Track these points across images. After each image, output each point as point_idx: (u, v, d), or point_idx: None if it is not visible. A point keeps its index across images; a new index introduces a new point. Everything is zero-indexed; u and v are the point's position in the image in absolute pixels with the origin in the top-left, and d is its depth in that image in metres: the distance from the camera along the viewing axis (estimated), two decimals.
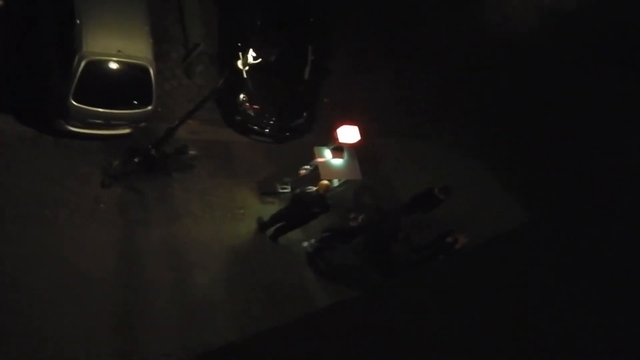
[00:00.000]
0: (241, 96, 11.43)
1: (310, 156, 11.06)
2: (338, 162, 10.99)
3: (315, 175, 10.86)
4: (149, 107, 9.70)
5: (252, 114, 11.55)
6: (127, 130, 9.95)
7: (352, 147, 11.12)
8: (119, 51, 9.21)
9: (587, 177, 13.24)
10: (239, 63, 9.04)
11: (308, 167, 11.26)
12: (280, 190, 11.51)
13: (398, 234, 12.23)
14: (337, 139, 10.77)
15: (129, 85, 9.57)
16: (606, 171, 13.64)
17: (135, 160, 9.78)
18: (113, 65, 9.31)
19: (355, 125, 10.84)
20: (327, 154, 10.95)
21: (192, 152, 10.38)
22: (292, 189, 11.34)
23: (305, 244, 11.23)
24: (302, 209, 10.44)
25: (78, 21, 9.08)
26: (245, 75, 9.80)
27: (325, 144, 11.08)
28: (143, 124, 10.04)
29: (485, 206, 13.57)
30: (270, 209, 11.24)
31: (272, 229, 10.98)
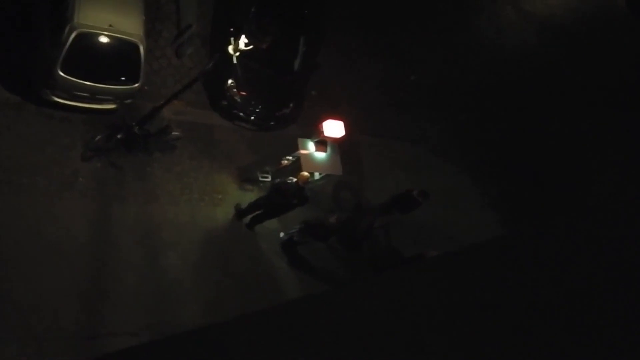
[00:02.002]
0: (229, 81, 11.45)
1: (293, 147, 11.09)
2: (320, 155, 11.07)
3: (296, 166, 10.91)
4: (136, 85, 9.71)
5: (239, 100, 11.56)
6: (112, 106, 9.93)
7: (336, 142, 11.20)
8: (111, 25, 9.23)
9: (570, 195, 13.53)
10: (230, 48, 9.07)
11: (290, 157, 11.31)
12: (260, 179, 11.53)
13: (371, 233, 12.31)
14: (322, 132, 10.83)
15: (118, 60, 9.59)
16: (589, 190, 13.97)
17: (118, 136, 9.82)
18: (103, 39, 9.33)
19: (341, 120, 10.91)
20: (311, 146, 11.02)
21: (175, 133, 10.39)
22: (272, 178, 11.39)
23: (282, 234, 11.26)
24: (281, 199, 10.44)
25: None
26: (235, 61, 9.79)
27: (310, 136, 11.13)
28: (128, 101, 10.06)
29: (462, 214, 13.74)
30: (248, 196, 11.28)
31: (249, 216, 11.01)
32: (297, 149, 10.98)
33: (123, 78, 9.63)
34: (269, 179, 11.49)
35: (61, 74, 9.08)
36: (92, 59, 9.37)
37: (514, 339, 1.97)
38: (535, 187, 14.47)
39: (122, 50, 9.47)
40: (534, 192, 14.33)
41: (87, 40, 9.13)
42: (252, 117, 11.79)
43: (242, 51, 9.14)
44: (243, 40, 9.01)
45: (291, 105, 12.14)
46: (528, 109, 15.30)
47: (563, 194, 13.84)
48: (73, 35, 8.93)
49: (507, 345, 1.95)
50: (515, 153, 14.96)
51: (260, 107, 11.75)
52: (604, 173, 14.20)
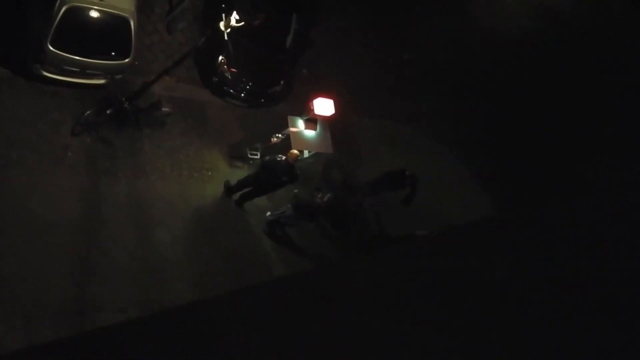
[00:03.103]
0: (220, 58, 11.42)
1: (283, 125, 11.11)
2: (310, 133, 11.15)
3: (286, 144, 10.96)
4: (127, 60, 9.67)
5: (230, 76, 11.55)
6: (102, 81, 9.89)
7: (326, 121, 11.28)
8: (101, 0, 9.01)
9: (562, 180, 13.61)
10: (222, 24, 8.99)
11: (280, 135, 11.37)
12: (250, 156, 11.60)
13: (361, 213, 12.42)
14: (312, 110, 10.89)
15: (108, 35, 9.56)
16: (584, 177, 14.06)
17: (108, 111, 9.83)
18: (94, 14, 9.28)
19: (331, 98, 10.92)
20: (300, 124, 11.10)
21: (165, 109, 10.37)
22: (262, 155, 11.43)
23: (268, 214, 11.29)
24: (270, 176, 10.46)
25: None
26: (226, 38, 9.70)
27: (300, 114, 11.20)
28: (119, 76, 10.03)
29: (454, 195, 13.88)
30: (238, 173, 11.35)
31: (239, 193, 11.04)
32: (287, 126, 11.01)
33: (113, 53, 9.60)
34: (259, 156, 11.53)
35: (51, 48, 9.05)
36: (82, 34, 9.32)
37: (504, 318, 1.98)
38: (529, 169, 14.57)
39: (113, 25, 9.43)
40: (528, 174, 14.43)
41: (77, 14, 9.07)
42: (243, 94, 11.79)
43: (233, 28, 9.07)
44: (235, 16, 8.93)
45: (282, 82, 12.18)
46: (523, 90, 15.32)
47: (558, 176, 13.94)
48: (63, 10, 8.88)
49: (497, 323, 1.96)
50: (509, 134, 15.04)
51: (250, 84, 11.75)
52: (602, 153, 14.26)
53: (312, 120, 11.13)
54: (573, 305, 1.77)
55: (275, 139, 11.43)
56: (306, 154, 11.50)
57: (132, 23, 9.42)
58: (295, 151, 10.48)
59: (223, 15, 9.05)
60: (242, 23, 9.18)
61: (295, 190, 11.16)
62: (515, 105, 15.29)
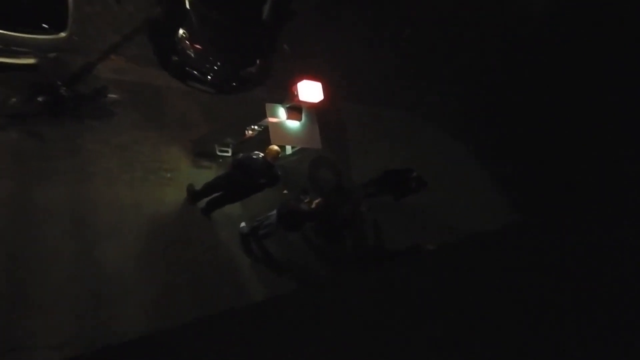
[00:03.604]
0: (181, 32, 11.21)
1: (260, 114, 11.02)
2: (294, 125, 11.05)
3: (264, 138, 10.84)
4: (62, 34, 9.40)
5: (193, 55, 11.36)
6: (31, 61, 9.60)
7: (313, 109, 11.18)
8: None
9: (592, 176, 13.68)
10: None
11: (256, 127, 11.24)
12: (219, 153, 11.50)
13: (356, 220, 12.48)
14: (296, 96, 10.77)
15: (39, 3, 9.26)
16: (613, 171, 14.15)
17: (40, 99, 9.54)
18: None
19: (319, 81, 10.84)
20: (282, 113, 10.98)
21: (112, 96, 10.24)
22: (234, 152, 11.36)
23: (243, 225, 11.23)
24: (245, 178, 10.38)
25: None
26: (188, 6, 9.62)
27: (281, 101, 11.07)
28: (53, 55, 9.73)
29: (468, 197, 14.04)
30: (205, 174, 11.18)
31: (206, 200, 10.91)
32: (265, 116, 10.91)
33: (46, 25, 9.37)
34: (230, 154, 11.47)
35: None
36: (5, 2, 9.08)
37: (517, 341, 2.03)
38: (552, 166, 14.64)
39: None
40: (550, 171, 14.50)
41: None
42: (210, 77, 11.59)
43: None
44: None
45: (258, 62, 12.01)
46: (549, 74, 15.36)
47: (584, 176, 14.02)
48: None
49: (510, 347, 2.01)
50: (528, 124, 15.08)
51: (219, 64, 11.56)
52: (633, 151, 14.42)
53: (296, 109, 11.06)
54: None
55: (250, 132, 11.31)
56: (289, 150, 11.46)
57: None
58: (276, 147, 10.39)
59: None
60: None
61: (285, 191, 11.15)
62: (538, 92, 15.35)
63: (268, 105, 10.96)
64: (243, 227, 11.21)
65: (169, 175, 11.03)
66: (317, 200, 10.93)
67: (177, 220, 10.75)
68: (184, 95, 11.87)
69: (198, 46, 11.39)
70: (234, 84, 11.93)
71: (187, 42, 11.32)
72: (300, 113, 11.13)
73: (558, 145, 14.87)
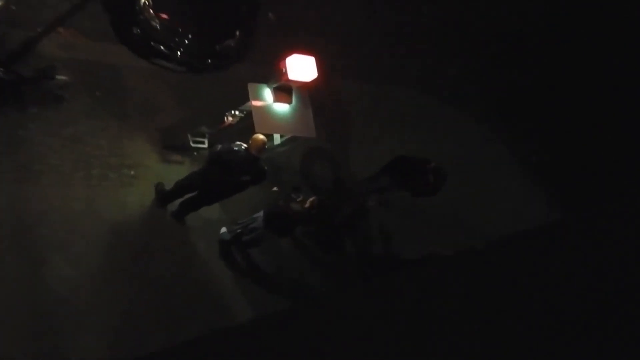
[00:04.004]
0: None
1: (242, 97, 10.96)
2: (283, 109, 10.98)
3: (247, 126, 10.80)
4: None
5: (159, 27, 11.31)
6: None
7: (305, 89, 11.13)
8: None
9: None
10: None
11: (237, 113, 11.21)
12: (194, 145, 11.48)
13: (358, 222, 12.43)
14: (285, 74, 10.64)
15: None
16: None
17: None
18: None
19: (312, 56, 10.76)
20: (268, 95, 10.89)
21: (61, 78, 10.22)
22: (211, 144, 11.32)
23: (223, 230, 11.20)
24: (224, 174, 10.35)
25: None
26: None
27: (266, 81, 10.97)
28: None
29: (494, 194, 14.09)
30: (176, 171, 11.18)
31: (178, 201, 10.89)
32: (247, 99, 10.84)
33: None
34: (206, 146, 11.45)
35: None
36: None
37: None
38: (595, 157, 14.64)
39: None
40: (589, 164, 14.51)
41: None
42: (179, 53, 11.52)
43: None
44: None
45: (237, 34, 11.96)
46: (592, 51, 15.37)
47: (629, 166, 14.03)
48: None
49: None
50: (565, 105, 15.08)
51: (190, 37, 11.46)
52: None
53: (285, 90, 10.97)
54: None
55: (230, 119, 11.29)
56: (277, 139, 11.37)
57: None
58: (261, 136, 10.33)
59: None
60: None
61: (275, 188, 11.10)
62: (579, 65, 15.38)
63: (251, 86, 10.85)
64: (223, 233, 11.18)
65: (132, 172, 11.01)
66: (311, 199, 10.88)
67: (143, 227, 10.74)
68: (148, 75, 11.85)
69: (164, 16, 11.32)
70: (209, 60, 11.83)
71: (150, 10, 11.25)
72: (290, 95, 11.05)
73: (602, 133, 14.85)
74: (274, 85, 10.91)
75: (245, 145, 10.32)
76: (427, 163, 12.11)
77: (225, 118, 11.30)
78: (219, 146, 10.56)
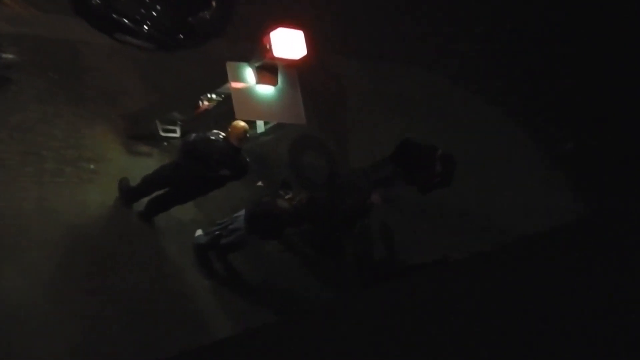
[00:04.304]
0: None
1: (219, 78, 10.82)
2: (267, 91, 10.87)
3: (225, 111, 10.78)
4: None
5: None
6: None
7: (294, 68, 11.05)
8: None
9: None
10: None
11: (214, 96, 11.19)
12: (163, 134, 11.47)
13: (356, 222, 12.41)
14: (269, 51, 10.50)
15: None
16: None
17: None
18: None
19: (300, 29, 10.70)
20: (249, 76, 10.76)
21: (8, 56, 10.26)
22: (184, 133, 11.23)
23: (199, 233, 11.17)
24: (200, 168, 10.31)
25: None
26: None
27: (247, 59, 10.84)
28: None
29: (513, 187, 14.25)
30: (143, 165, 11.16)
31: (146, 200, 10.86)
32: (226, 81, 10.72)
33: None
34: (178, 135, 11.44)
35: None
36: None
37: None
38: (626, 147, 14.68)
39: None
40: (622, 154, 14.54)
41: None
42: (146, 27, 11.53)
43: None
44: None
45: (213, 4, 11.94)
46: (612, 21, 15.45)
47: None
48: None
49: None
50: (593, 85, 15.10)
51: (159, 8, 11.47)
52: None
53: (270, 69, 10.85)
54: None
55: (206, 104, 11.28)
56: (261, 127, 11.35)
57: None
58: (242, 123, 10.29)
59: None
60: None
61: (259, 183, 11.04)
62: (616, 46, 15.53)
63: (230, 65, 10.71)
64: (199, 236, 11.16)
65: (92, 166, 10.96)
66: (301, 195, 10.89)
67: (105, 230, 10.69)
68: (110, 53, 11.86)
69: None
70: (181, 35, 11.86)
71: None
72: (276, 75, 10.95)
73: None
74: (257, 64, 10.76)
75: (223, 134, 10.28)
76: (434, 150, 12.05)
77: (200, 102, 11.28)
78: (193, 135, 10.47)
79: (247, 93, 10.76)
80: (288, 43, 10.55)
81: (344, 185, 12.52)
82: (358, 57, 14.03)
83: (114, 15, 11.38)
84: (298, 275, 11.94)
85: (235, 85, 10.67)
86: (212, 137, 10.27)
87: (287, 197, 10.84)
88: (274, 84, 10.92)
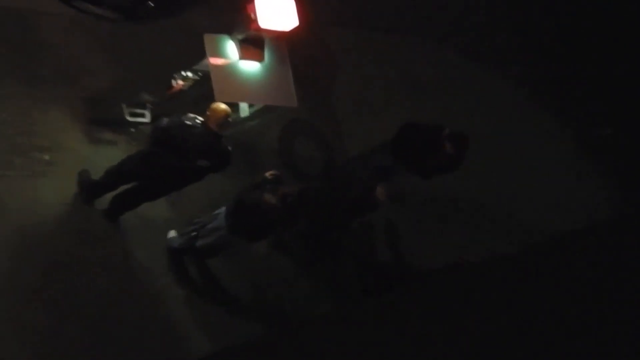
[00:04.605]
0: None
1: (195, 53, 10.81)
2: (252, 69, 10.85)
3: (203, 92, 10.74)
4: None
5: None
6: None
7: (283, 42, 11.03)
8: None
9: None
10: None
11: (190, 75, 11.13)
12: (130, 119, 11.47)
13: (354, 218, 12.36)
14: (254, 21, 10.43)
15: None
16: None
17: None
18: None
19: None
20: (232, 50, 10.75)
21: None
22: (155, 117, 11.23)
23: (172, 234, 11.14)
24: (174, 158, 10.24)
25: None
26: None
27: (228, 30, 10.82)
28: None
29: (545, 180, 14.34)
30: (107, 154, 11.14)
31: (110, 195, 10.78)
32: (204, 57, 10.69)
33: None
34: (148, 120, 11.44)
35: None
36: None
37: None
38: None
39: None
40: None
41: None
42: None
43: None
44: None
45: None
46: None
47: None
48: None
49: None
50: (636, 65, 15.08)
51: None
52: None
53: (255, 42, 10.82)
54: None
55: (180, 83, 11.21)
56: (245, 110, 11.37)
57: None
58: (223, 106, 10.24)
59: None
60: None
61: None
62: None
63: (208, 38, 10.67)
64: (172, 238, 11.17)
65: (46, 157, 10.95)
66: (290, 188, 10.78)
67: (63, 231, 10.62)
68: (69, 25, 11.88)
69: None
70: (151, 3, 11.90)
71: None
72: (262, 49, 10.94)
73: None
74: (240, 37, 10.75)
75: (201, 118, 10.23)
76: (441, 130, 11.88)
77: (174, 82, 11.21)
78: (166, 120, 10.40)
79: (228, 71, 10.75)
80: (276, 12, 10.49)
81: (341, 176, 12.46)
82: (358, 29, 13.97)
83: None
84: (288, 283, 11.93)
85: (214, 61, 10.65)
86: (188, 123, 10.20)
87: (275, 191, 10.71)
88: (260, 59, 10.91)
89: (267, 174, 10.86)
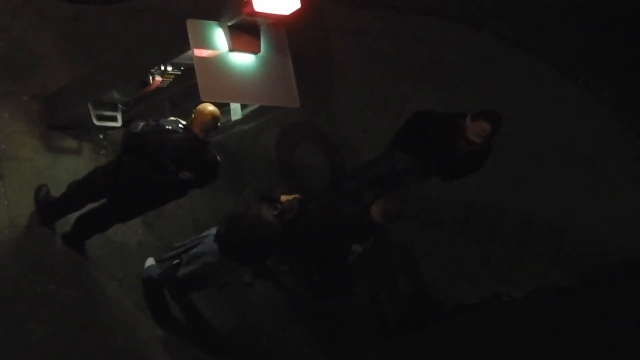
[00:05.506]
0: None
1: (177, 43, 10.80)
2: (245, 62, 10.92)
3: (185, 91, 10.94)
4: None
5: None
6: None
7: (282, 29, 11.12)
8: None
9: None
10: None
11: (170, 69, 11.12)
12: (98, 123, 11.47)
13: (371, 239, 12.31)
14: (248, 4, 10.34)
15: None
16: None
17: None
18: None
19: None
20: (220, 39, 10.81)
21: None
22: (129, 120, 11.20)
23: (149, 262, 11.27)
24: (151, 170, 10.30)
25: None
26: None
27: (217, 16, 10.85)
28: None
29: (605, 193, 14.45)
30: (69, 166, 11.30)
31: (74, 215, 10.84)
32: (187, 47, 10.60)
33: None
34: (119, 124, 11.51)
35: None
36: None
37: None
38: None
39: None
40: None
41: None
42: None
43: None
44: None
45: None
46: None
47: None
48: None
49: None
50: None
51: None
52: None
53: (249, 30, 10.87)
54: None
55: (158, 80, 11.20)
56: (237, 112, 11.40)
57: None
58: (210, 107, 10.29)
59: None
60: None
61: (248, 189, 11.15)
62: None
63: (192, 24, 10.64)
64: (150, 266, 11.27)
65: None
66: (290, 202, 10.89)
67: (13, 259, 10.70)
68: (20, 7, 11.97)
69: None
70: None
71: None
72: (257, 39, 10.96)
73: None
74: (230, 23, 10.80)
75: (184, 122, 10.32)
76: (462, 117, 11.94)
77: (150, 78, 11.21)
78: (141, 124, 10.32)
79: (216, 64, 10.67)
80: None
81: (350, 190, 12.32)
82: (376, 9, 14.13)
83: None
84: (287, 319, 12.04)
85: (199, 53, 10.55)
86: (168, 127, 10.22)
87: (278, 208, 10.75)
88: (255, 51, 10.95)
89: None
